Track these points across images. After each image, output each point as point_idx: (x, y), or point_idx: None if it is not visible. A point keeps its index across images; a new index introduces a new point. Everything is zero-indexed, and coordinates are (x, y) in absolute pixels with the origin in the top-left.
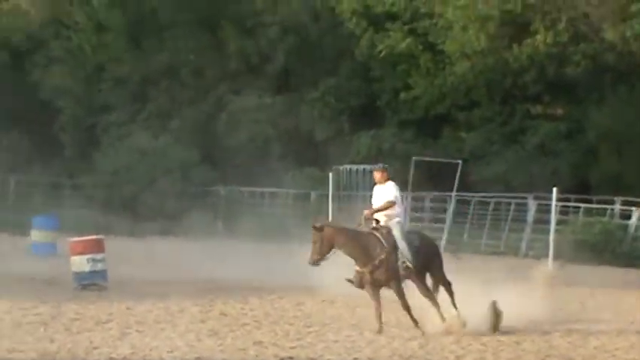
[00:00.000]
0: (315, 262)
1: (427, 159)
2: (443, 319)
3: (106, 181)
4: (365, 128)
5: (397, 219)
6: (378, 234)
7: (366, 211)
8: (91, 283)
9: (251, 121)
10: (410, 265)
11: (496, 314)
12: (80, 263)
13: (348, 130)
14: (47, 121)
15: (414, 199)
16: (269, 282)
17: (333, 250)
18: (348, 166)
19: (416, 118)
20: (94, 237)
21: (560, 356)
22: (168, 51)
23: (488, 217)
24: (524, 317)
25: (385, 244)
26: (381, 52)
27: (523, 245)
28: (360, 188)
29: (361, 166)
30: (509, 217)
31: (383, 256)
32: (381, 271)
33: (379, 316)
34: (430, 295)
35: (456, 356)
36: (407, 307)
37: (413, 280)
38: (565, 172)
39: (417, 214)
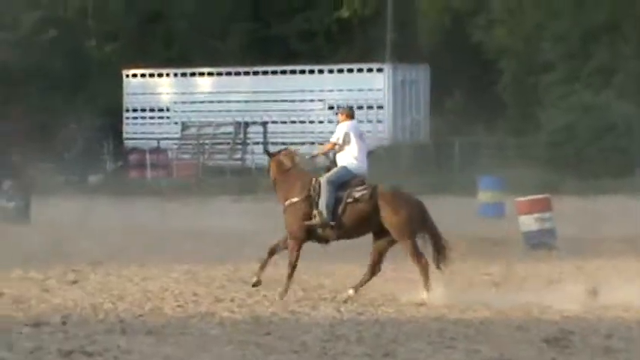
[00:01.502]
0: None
1: None
2: (359, 285)
3: (550, 140)
4: None
5: (345, 163)
6: (315, 177)
7: (314, 151)
8: (540, 242)
9: None
10: (319, 219)
11: None
12: (528, 223)
13: None
14: (490, 81)
15: None
16: None
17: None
18: None
19: None
20: (541, 196)
21: None
22: (609, 4)
23: None
24: None
25: (309, 188)
26: None
27: None
28: None
29: None
30: None
31: (294, 200)
32: (286, 216)
33: (261, 267)
34: (373, 261)
35: None
36: (291, 266)
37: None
38: None
39: None
